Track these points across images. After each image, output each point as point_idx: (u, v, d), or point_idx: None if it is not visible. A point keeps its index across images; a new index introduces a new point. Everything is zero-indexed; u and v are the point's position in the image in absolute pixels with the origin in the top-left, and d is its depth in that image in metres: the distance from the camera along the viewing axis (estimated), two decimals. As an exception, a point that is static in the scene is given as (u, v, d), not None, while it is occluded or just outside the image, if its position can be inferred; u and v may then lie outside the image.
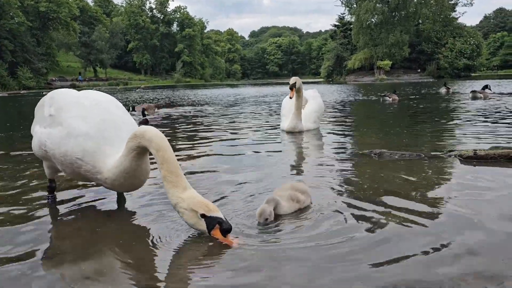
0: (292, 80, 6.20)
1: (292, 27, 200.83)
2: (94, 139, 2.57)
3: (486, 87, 14.77)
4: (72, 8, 77.78)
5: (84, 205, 3.01)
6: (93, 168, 2.57)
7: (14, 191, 3.41)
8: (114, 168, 2.48)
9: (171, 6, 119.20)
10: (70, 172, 2.73)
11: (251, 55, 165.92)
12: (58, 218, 2.80)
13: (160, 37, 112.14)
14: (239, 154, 5.08)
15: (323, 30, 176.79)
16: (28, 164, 4.58)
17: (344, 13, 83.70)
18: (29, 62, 68.53)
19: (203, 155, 5.08)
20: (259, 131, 7.06)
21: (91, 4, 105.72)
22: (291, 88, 6.16)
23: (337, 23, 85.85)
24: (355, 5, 74.19)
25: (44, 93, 40.29)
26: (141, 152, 2.40)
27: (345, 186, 3.33)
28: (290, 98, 6.29)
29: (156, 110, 10.43)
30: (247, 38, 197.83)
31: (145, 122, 8.02)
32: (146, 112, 8.74)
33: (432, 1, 68.71)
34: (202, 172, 4.08)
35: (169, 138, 6.17)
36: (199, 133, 7.19)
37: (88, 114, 2.66)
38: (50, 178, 3.05)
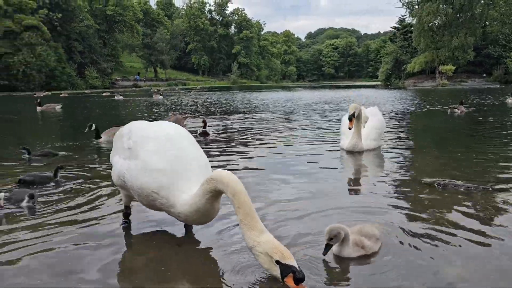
0: (351, 109, 5.94)
1: (350, 29, 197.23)
2: (169, 174, 2.70)
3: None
4: (136, 11, 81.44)
5: (155, 231, 3.13)
6: (167, 202, 2.70)
7: (88, 212, 3.63)
8: (188, 205, 2.59)
9: (230, 8, 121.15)
10: (146, 203, 2.89)
11: (307, 57, 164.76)
12: (131, 245, 2.95)
13: (218, 38, 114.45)
14: (294, 169, 5.12)
15: (382, 32, 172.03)
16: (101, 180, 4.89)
17: (404, 15, 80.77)
18: (95, 62, 72.63)
19: (257, 168, 5.17)
20: (316, 146, 7.01)
21: (154, 7, 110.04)
22: (350, 119, 5.94)
23: (397, 25, 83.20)
24: (416, 7, 71.44)
25: (103, 93, 42.42)
26: (216, 194, 2.49)
27: (404, 219, 3.25)
28: (350, 129, 6.06)
29: (185, 122, 10.31)
30: (303, 40, 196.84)
31: (204, 133, 8.20)
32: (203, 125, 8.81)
33: (501, 2, 64.62)
34: (256, 185, 4.17)
35: (221, 150, 6.45)
36: (252, 145, 7.27)
37: (163, 149, 2.79)
38: (126, 205, 3.24)
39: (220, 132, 9.10)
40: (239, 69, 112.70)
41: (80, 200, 3.95)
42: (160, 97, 28.77)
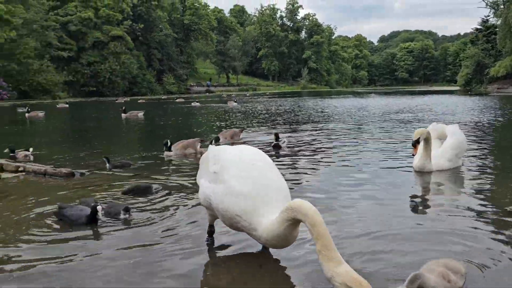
0: (416, 134, 5.67)
1: (426, 31, 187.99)
2: (252, 199, 2.88)
3: None
4: (211, 20, 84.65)
5: (237, 250, 3.33)
6: (249, 225, 2.89)
7: (172, 226, 3.98)
8: (268, 230, 2.75)
9: (301, 14, 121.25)
10: (229, 224, 3.13)
11: (379, 61, 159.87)
12: (215, 263, 3.15)
13: (289, 44, 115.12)
14: (361, 188, 5.14)
15: (461, 33, 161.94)
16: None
17: (488, 16, 75.56)
18: (172, 69, 76.62)
19: (323, 188, 5.20)
20: (388, 162, 6.90)
21: (227, 15, 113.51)
22: (413, 145, 5.66)
23: (479, 27, 78.11)
24: (502, 7, 66.63)
25: (177, 99, 43.84)
26: (295, 223, 2.63)
27: (481, 253, 3.10)
28: (413, 155, 5.86)
29: (241, 136, 10.12)
30: (375, 44, 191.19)
31: (276, 146, 8.38)
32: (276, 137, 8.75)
33: None
34: (321, 205, 4.22)
35: (292, 164, 6.27)
36: (322, 159, 7.26)
37: (247, 175, 2.98)
38: (210, 224, 3.48)
39: (292, 144, 9.17)
40: (309, 74, 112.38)
41: (163, 214, 4.25)
42: (235, 104, 29.18)
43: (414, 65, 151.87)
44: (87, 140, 11.43)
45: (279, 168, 3.27)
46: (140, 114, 19.71)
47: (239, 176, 3.00)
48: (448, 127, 6.70)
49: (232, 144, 8.95)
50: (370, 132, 11.31)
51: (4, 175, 6.23)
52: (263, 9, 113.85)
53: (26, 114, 21.12)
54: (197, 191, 4.84)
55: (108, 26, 64.42)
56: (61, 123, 18.33)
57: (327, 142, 9.55)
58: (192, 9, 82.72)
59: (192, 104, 31.50)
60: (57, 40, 59.13)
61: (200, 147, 8.22)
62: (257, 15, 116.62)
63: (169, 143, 7.95)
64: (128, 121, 17.93)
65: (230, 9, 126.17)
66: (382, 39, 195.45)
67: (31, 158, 7.75)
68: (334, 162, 7.05)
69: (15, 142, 10.50)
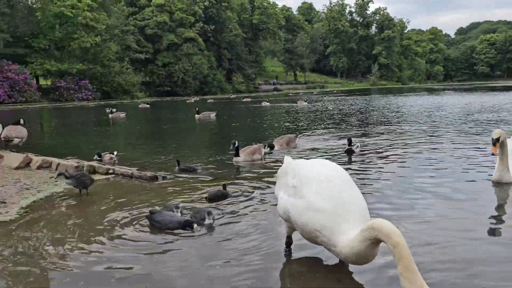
0: (496, 134, 5.47)
1: (510, 21, 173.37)
2: (331, 215, 2.93)
3: None
4: (279, 19, 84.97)
5: (315, 263, 3.42)
6: (329, 241, 2.94)
7: (250, 233, 4.18)
8: (348, 247, 2.78)
9: (371, 8, 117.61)
10: (308, 238, 3.21)
11: (456, 55, 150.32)
12: (292, 275, 3.25)
13: (358, 40, 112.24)
14: (434, 195, 5.03)
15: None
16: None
17: None
18: (241, 68, 78.16)
19: (395, 192, 5.15)
20: (466, 172, 6.51)
21: (295, 13, 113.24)
22: (494, 144, 5.48)
23: None
24: None
25: (244, 98, 44.25)
26: (376, 242, 2.64)
27: None
28: (493, 154, 5.63)
29: (296, 142, 9.71)
30: (452, 36, 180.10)
31: (349, 151, 8.29)
32: (351, 143, 8.51)
33: None
34: (393, 211, 4.12)
35: (364, 170, 6.08)
36: (396, 166, 7.07)
37: (326, 190, 3.03)
38: (288, 235, 3.56)
39: (365, 149, 8.93)
40: (379, 70, 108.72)
41: (241, 221, 4.48)
42: (305, 103, 28.66)
43: (496, 58, 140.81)
44: (165, 142, 12.11)
45: (351, 175, 3.31)
46: (213, 115, 20.41)
47: (319, 192, 3.05)
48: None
49: (288, 151, 8.92)
50: (449, 136, 10.75)
51: (97, 176, 6.90)
52: (331, 5, 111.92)
53: (110, 115, 22.74)
54: (270, 199, 5.14)
55: (181, 29, 67.24)
56: (140, 124, 19.52)
57: (402, 147, 9.26)
58: (260, 9, 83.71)
59: (262, 104, 31.44)
60: (136, 43, 62.86)
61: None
62: (325, 11, 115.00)
63: (236, 144, 7.94)
64: (201, 122, 18.65)
65: (298, 7, 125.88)
66: (460, 31, 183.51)
67: (116, 160, 8.43)
68: (409, 169, 6.90)
69: (101, 144, 11.50)
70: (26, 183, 6.25)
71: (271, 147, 8.75)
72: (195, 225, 4.18)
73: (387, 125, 13.91)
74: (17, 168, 7.12)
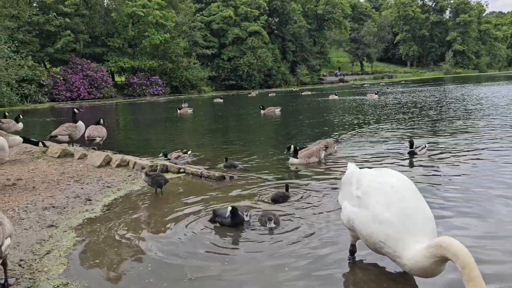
0: None
1: None
2: (396, 227, 2.91)
3: None
4: (345, 7, 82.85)
5: (378, 272, 3.44)
6: (393, 252, 2.94)
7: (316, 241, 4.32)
8: (413, 261, 2.77)
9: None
10: (372, 248, 3.24)
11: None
12: (354, 284, 3.32)
13: (430, 26, 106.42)
14: (504, 206, 4.73)
15: None
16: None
17: None
18: (306, 60, 77.50)
19: (461, 202, 4.85)
20: None
21: (362, 1, 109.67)
22: None
23: None
24: None
25: (303, 92, 42.93)
26: (443, 260, 2.60)
27: None
28: None
29: (335, 147, 8.96)
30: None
31: (412, 153, 7.91)
32: (413, 145, 8.09)
33: None
34: (458, 224, 4.01)
35: (427, 174, 5.77)
36: (463, 171, 6.64)
37: (391, 201, 3.02)
38: (352, 244, 3.61)
39: (431, 151, 8.37)
40: (454, 57, 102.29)
41: (302, 224, 4.62)
42: (375, 96, 27.63)
43: None
44: (230, 139, 12.46)
45: (411, 179, 3.26)
46: (277, 110, 20.50)
47: (383, 203, 3.05)
48: None
49: (328, 155, 8.53)
50: None
51: (169, 175, 7.34)
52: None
53: (178, 111, 23.75)
54: (329, 204, 5.19)
55: (246, 23, 68.06)
56: (207, 121, 20.15)
57: (470, 147, 8.58)
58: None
59: (330, 97, 30.59)
60: (202, 39, 64.69)
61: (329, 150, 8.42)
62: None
63: (292, 148, 7.93)
64: (266, 117, 18.84)
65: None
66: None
67: (189, 160, 8.80)
68: (478, 175, 6.35)
69: (170, 141, 12.12)
70: (107, 181, 6.83)
71: (294, 150, 7.99)
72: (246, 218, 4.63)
73: (461, 120, 13.15)
74: (99, 166, 7.77)
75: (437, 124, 12.76)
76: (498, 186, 5.69)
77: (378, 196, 3.12)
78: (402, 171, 6.40)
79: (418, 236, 2.86)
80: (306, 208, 5.20)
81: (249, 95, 45.88)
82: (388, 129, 12.24)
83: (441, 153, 8.26)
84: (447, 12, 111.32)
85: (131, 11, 53.06)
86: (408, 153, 8.03)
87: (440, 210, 4.81)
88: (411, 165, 7.46)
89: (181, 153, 9.00)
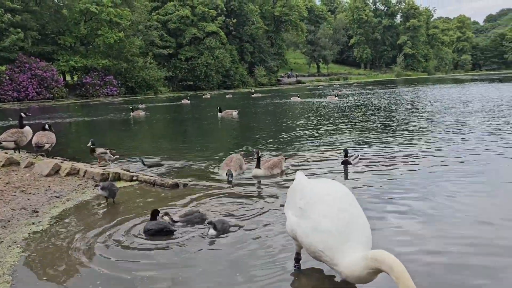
0: None
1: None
2: (335, 237, 3.05)
3: None
4: (301, 10, 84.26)
5: (322, 278, 3.58)
6: (331, 261, 3.09)
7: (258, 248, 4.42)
8: (349, 270, 2.92)
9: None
10: (313, 256, 3.38)
11: (485, 43, 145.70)
12: None
13: (382, 30, 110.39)
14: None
15: None
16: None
17: None
18: (263, 61, 78.14)
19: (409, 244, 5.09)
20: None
21: (318, 3, 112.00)
22: None
23: None
24: None
25: (253, 94, 42.34)
26: (377, 272, 2.77)
27: None
28: None
29: (283, 164, 7.75)
30: (481, 24, 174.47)
31: (346, 163, 7.71)
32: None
33: None
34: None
35: (362, 187, 5.95)
36: (408, 185, 6.54)
37: (331, 212, 3.14)
38: (297, 252, 3.74)
39: (367, 159, 8.19)
40: (405, 60, 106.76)
41: (252, 235, 4.72)
42: (336, 98, 28.04)
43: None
44: (186, 145, 12.31)
45: (352, 187, 3.41)
46: (235, 113, 20.49)
47: (323, 214, 3.17)
48: None
49: (277, 173, 7.59)
50: (477, 139, 10.05)
51: (121, 183, 7.21)
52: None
53: (131, 113, 23.26)
54: (281, 214, 5.30)
55: (203, 23, 67.65)
56: (162, 124, 19.88)
57: (416, 154, 8.55)
58: (282, 0, 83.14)
59: (292, 99, 30.41)
60: (159, 38, 63.63)
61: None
62: (348, 1, 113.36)
63: (260, 153, 7.56)
64: (224, 121, 18.82)
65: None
66: (489, 19, 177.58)
67: (110, 161, 8.81)
68: (418, 182, 6.34)
69: (122, 146, 11.87)
70: (56, 191, 6.62)
71: (257, 160, 7.43)
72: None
73: (407, 124, 13.64)
74: (47, 175, 7.51)
75: (387, 128, 13.10)
76: (440, 192, 5.96)
77: (318, 207, 3.24)
78: (345, 179, 6.73)
79: (354, 245, 3.00)
80: (255, 216, 5.27)
81: (203, 96, 45.57)
82: (342, 134, 12.46)
83: (371, 161, 8.19)
84: (398, 16, 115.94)
85: (84, 8, 51.31)
86: (342, 162, 7.83)
87: (378, 219, 5.02)
88: (346, 174, 7.34)
89: (107, 151, 8.85)
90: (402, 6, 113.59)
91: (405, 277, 2.51)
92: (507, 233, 4.42)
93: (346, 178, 7.11)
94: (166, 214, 5.01)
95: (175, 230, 4.75)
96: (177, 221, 4.96)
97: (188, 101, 34.59)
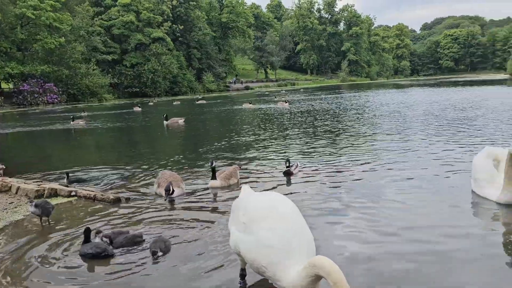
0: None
1: (472, 16, 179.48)
2: (278, 252, 3.01)
3: None
4: (248, 17, 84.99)
5: None
6: (274, 276, 3.04)
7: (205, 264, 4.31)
8: (292, 284, 2.88)
9: (339, 5, 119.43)
10: (256, 272, 3.31)
11: (422, 50, 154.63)
12: None
13: (327, 37, 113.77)
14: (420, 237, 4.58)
15: (511, 16, 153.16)
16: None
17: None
18: (211, 67, 77.85)
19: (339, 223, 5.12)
20: (447, 193, 6.02)
21: (264, 10, 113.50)
22: None
23: (531, 11, 73.78)
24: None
25: (198, 101, 42.00)
26: (317, 278, 2.76)
27: None
28: None
29: (238, 173, 7.34)
30: (418, 32, 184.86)
31: (288, 173, 7.62)
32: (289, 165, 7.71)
33: None
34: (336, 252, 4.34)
35: (306, 197, 5.96)
36: (349, 192, 6.54)
37: (273, 226, 3.10)
38: (242, 268, 3.65)
39: (309, 169, 8.11)
40: (349, 66, 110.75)
41: (200, 251, 4.61)
42: (286, 104, 28.16)
43: (460, 52, 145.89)
44: (133, 157, 11.75)
45: (292, 200, 3.41)
46: (181, 121, 20.08)
47: (266, 229, 3.12)
48: (503, 152, 5.72)
49: (234, 183, 7.34)
50: (417, 140, 10.58)
51: (59, 200, 6.80)
52: (300, 3, 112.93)
53: (71, 122, 22.24)
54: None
55: (149, 29, 66.33)
56: (104, 134, 19.15)
57: (359, 161, 8.66)
58: (229, 7, 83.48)
59: (244, 106, 30.21)
60: (102, 44, 61.56)
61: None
62: (294, 9, 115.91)
63: (214, 164, 7.23)
64: (170, 129, 18.39)
65: (267, 4, 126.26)
66: (425, 27, 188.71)
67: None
68: (364, 198, 6.05)
69: (60, 159, 11.28)
70: (-16, 211, 6.12)
71: (212, 171, 7.16)
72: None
73: (348, 129, 13.98)
74: (-25, 193, 6.94)
75: (334, 134, 13.25)
76: (381, 196, 6.12)
77: (261, 222, 3.18)
78: (289, 189, 6.71)
79: (297, 260, 2.97)
80: (201, 229, 5.14)
81: (149, 103, 44.55)
82: (291, 141, 12.44)
83: (314, 170, 8.09)
84: (342, 24, 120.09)
85: (19, 12, 48.55)
86: (284, 172, 7.69)
87: (321, 229, 5.07)
88: (289, 184, 7.22)
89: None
90: (345, 14, 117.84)
91: (342, 281, 2.53)
92: (436, 236, 4.57)
93: (289, 187, 7.03)
94: (99, 232, 4.72)
95: (114, 254, 4.48)
96: (114, 243, 4.68)
97: (140, 109, 33.61)
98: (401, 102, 26.13)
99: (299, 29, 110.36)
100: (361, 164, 8.38)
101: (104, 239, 4.63)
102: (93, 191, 6.91)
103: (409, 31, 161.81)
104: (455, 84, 57.23)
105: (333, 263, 2.64)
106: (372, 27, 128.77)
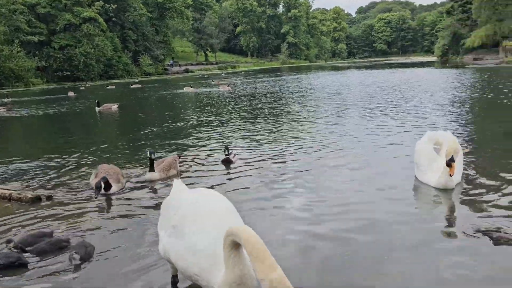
0: (451, 152, 5.12)
1: (403, 1, 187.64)
2: (210, 257, 2.68)
3: None
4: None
5: None
6: (208, 284, 2.71)
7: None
8: (222, 282, 2.54)
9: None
10: (189, 279, 2.97)
11: (357, 33, 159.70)
12: None
13: (267, 19, 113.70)
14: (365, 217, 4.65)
15: (438, 2, 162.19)
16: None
17: (464, -15, 75.50)
18: (149, 50, 74.98)
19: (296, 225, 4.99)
20: (384, 171, 6.29)
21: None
22: (449, 165, 5.07)
23: (455, -4, 78.20)
24: (478, -24, 66.50)
25: (132, 85, 41.11)
26: (237, 254, 2.46)
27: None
28: (451, 175, 5.15)
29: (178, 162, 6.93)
30: (353, 15, 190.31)
31: (227, 161, 7.31)
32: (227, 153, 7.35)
33: None
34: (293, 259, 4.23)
35: (245, 186, 5.74)
36: (290, 178, 6.37)
37: (205, 228, 2.77)
38: (173, 274, 3.32)
39: (250, 156, 7.89)
40: (288, 49, 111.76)
41: (129, 254, 4.22)
42: (228, 88, 27.56)
43: (392, 36, 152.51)
44: (62, 148, 10.81)
45: (233, 190, 3.10)
46: (115, 107, 18.94)
47: (198, 232, 2.79)
48: (439, 132, 5.97)
49: (174, 175, 6.81)
50: (355, 122, 10.83)
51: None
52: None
53: (0, 109, 20.49)
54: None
55: (78, 8, 62.12)
56: (31, 123, 17.67)
57: (298, 146, 8.52)
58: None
59: (184, 89, 29.08)
60: (26, 24, 56.87)
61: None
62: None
63: (153, 155, 6.57)
64: (102, 116, 17.27)
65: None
66: (360, 11, 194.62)
67: None
68: (306, 181, 6.03)
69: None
70: None
71: (150, 162, 6.59)
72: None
73: (287, 114, 13.83)
74: None
75: (275, 119, 13.04)
76: (321, 182, 5.98)
77: (192, 224, 2.84)
78: (227, 179, 6.39)
79: None
80: (131, 231, 4.67)
81: (81, 87, 42.14)
82: (231, 127, 12.05)
83: (254, 156, 7.85)
84: (281, 6, 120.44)
85: None
86: (222, 161, 7.35)
87: (260, 220, 4.81)
88: (228, 173, 6.86)
89: None
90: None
91: (251, 238, 2.29)
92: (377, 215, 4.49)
93: (228, 176, 6.70)
94: (9, 241, 4.11)
95: (29, 263, 3.91)
96: (28, 251, 4.10)
97: (74, 94, 31.53)
98: (341, 85, 26.63)
99: (238, 10, 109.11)
100: (302, 149, 8.23)
101: (14, 250, 4.02)
102: (8, 190, 6.13)
103: (346, 15, 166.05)
104: (390, 66, 59.79)
105: (248, 227, 2.39)
106: (310, 10, 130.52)
